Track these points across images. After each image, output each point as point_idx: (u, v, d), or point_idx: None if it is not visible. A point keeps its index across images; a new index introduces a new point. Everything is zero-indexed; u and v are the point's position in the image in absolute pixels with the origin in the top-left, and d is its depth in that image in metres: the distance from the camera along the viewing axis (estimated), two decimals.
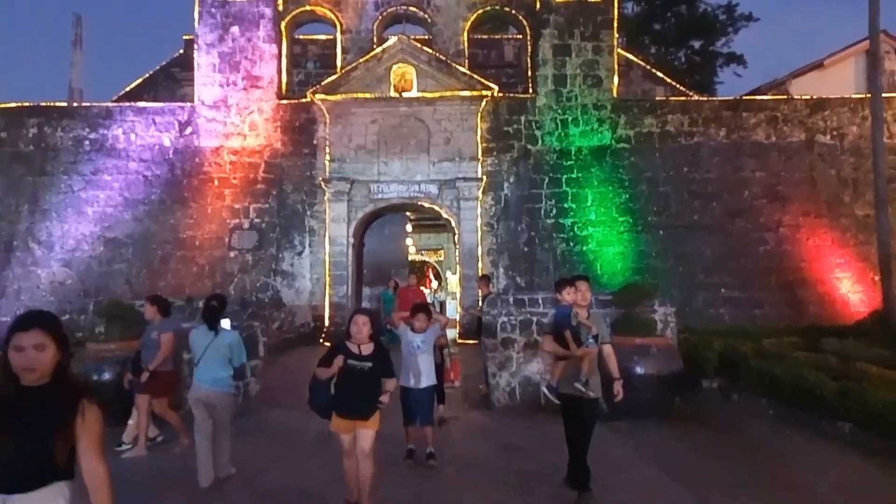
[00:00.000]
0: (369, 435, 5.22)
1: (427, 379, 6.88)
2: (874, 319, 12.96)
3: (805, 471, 6.80)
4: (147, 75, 23.52)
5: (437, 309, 14.19)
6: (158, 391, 7.33)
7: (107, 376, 8.08)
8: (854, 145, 17.84)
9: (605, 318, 6.47)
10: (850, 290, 17.06)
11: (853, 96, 18.34)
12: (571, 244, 17.47)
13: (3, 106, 18.35)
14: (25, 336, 2.56)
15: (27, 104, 18.49)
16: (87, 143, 18.00)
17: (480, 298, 12.59)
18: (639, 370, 8.72)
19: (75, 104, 19.34)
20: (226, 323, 6.69)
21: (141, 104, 18.77)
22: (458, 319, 17.10)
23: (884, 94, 16.61)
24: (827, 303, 16.92)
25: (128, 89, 23.11)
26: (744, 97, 19.62)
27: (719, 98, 21.00)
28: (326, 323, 17.29)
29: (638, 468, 6.85)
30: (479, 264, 17.44)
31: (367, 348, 5.26)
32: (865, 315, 14.33)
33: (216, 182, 17.85)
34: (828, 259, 17.34)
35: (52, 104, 18.79)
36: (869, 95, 15.60)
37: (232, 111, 18.04)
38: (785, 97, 19.16)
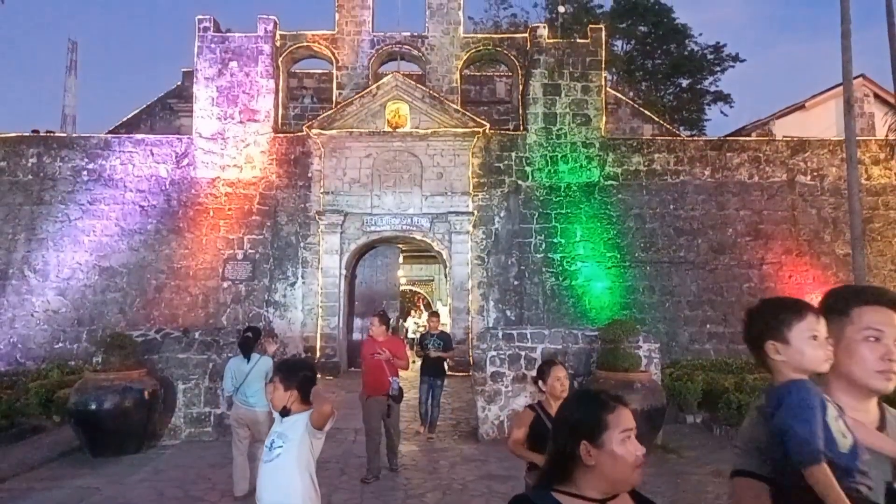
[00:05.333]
0: None
1: None
2: None
3: None
4: (144, 105, 24.03)
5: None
6: None
7: (107, 405, 8.20)
8: (833, 186, 18.40)
9: None
10: None
11: (832, 139, 18.96)
12: (560, 279, 17.81)
13: (2, 136, 18.65)
14: None
15: (26, 134, 18.82)
16: (84, 173, 18.28)
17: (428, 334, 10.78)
18: None
19: (74, 135, 19.68)
20: None
21: (139, 136, 19.13)
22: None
23: (862, 137, 17.27)
24: None
25: (125, 119, 23.59)
26: (728, 137, 20.24)
27: (704, 138, 21.63)
28: (318, 354, 17.45)
29: None
30: (469, 297, 17.72)
31: None
32: None
33: (211, 213, 18.13)
34: (808, 296, 17.72)
35: (51, 134, 19.15)
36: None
37: (229, 143, 18.41)
38: (767, 139, 19.78)
